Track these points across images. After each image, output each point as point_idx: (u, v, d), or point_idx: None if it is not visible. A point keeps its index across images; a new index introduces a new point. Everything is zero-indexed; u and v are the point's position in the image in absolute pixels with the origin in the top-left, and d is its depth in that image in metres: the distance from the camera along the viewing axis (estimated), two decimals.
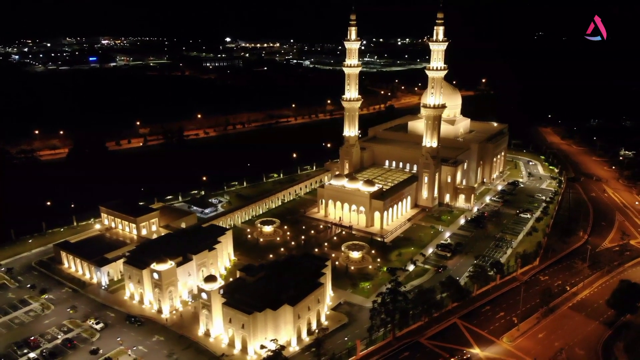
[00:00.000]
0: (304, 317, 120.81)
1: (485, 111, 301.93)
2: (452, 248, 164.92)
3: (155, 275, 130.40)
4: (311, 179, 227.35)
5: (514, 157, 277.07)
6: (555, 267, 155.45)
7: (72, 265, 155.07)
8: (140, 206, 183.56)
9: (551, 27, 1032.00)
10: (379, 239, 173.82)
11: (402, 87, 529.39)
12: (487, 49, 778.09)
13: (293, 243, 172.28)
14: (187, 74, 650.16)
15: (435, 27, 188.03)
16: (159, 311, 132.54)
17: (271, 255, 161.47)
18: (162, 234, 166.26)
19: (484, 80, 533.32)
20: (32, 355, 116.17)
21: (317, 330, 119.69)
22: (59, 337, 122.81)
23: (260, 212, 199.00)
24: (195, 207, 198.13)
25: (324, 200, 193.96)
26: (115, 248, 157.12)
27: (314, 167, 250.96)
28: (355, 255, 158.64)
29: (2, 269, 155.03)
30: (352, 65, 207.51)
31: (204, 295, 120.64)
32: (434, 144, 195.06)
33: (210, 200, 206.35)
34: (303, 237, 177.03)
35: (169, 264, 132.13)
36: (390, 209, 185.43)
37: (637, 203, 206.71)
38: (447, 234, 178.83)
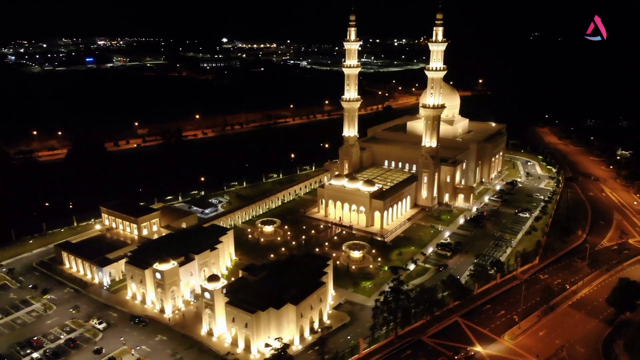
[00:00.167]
0: (307, 316, 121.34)
1: (483, 111, 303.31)
2: (452, 247, 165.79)
3: (158, 275, 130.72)
4: (311, 179, 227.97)
5: (512, 157, 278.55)
6: (554, 266, 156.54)
7: (74, 266, 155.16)
8: (141, 206, 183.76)
9: (547, 28, 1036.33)
10: (379, 239, 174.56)
11: (400, 88, 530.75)
12: (483, 50, 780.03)
13: (294, 243, 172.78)
14: (184, 75, 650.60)
15: (434, 28, 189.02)
16: (162, 311, 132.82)
17: (272, 255, 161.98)
18: (163, 234, 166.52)
19: (480, 81, 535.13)
20: (35, 355, 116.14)
21: (321, 329, 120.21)
22: (62, 337, 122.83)
23: (261, 212, 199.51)
24: (195, 208, 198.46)
25: (324, 200, 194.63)
26: (116, 248, 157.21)
27: (313, 168, 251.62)
28: (356, 254, 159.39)
29: (4, 269, 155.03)
30: (351, 66, 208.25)
31: (207, 295, 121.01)
32: (434, 144, 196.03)
33: (210, 200, 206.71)
34: (303, 236, 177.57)
35: (172, 264, 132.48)
36: (390, 209, 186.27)
37: (635, 203, 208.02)
38: (447, 234, 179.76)
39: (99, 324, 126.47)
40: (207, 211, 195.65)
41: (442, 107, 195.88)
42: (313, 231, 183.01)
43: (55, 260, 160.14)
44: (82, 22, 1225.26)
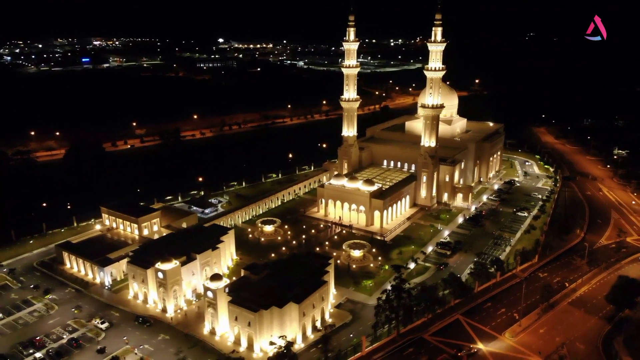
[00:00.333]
0: (309, 315, 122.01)
1: (480, 111, 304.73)
2: (452, 246, 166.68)
3: (160, 275, 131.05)
4: (310, 179, 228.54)
5: (509, 156, 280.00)
6: (553, 264, 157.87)
7: (75, 266, 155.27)
8: (141, 206, 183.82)
9: (542, 28, 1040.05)
10: (379, 238, 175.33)
11: (397, 88, 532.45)
12: (480, 50, 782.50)
13: (294, 242, 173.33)
14: (181, 75, 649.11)
15: (433, 28, 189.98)
16: (164, 310, 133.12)
17: (273, 255, 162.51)
18: (164, 234, 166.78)
19: (477, 81, 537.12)
20: (38, 355, 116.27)
21: (324, 327, 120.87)
22: (64, 336, 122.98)
23: (260, 212, 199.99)
24: (195, 207, 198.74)
25: (323, 200, 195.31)
26: (117, 248, 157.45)
27: (312, 167, 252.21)
28: (357, 253, 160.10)
29: (4, 269, 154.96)
30: (350, 66, 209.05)
31: (209, 294, 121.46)
32: (433, 143, 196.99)
33: (210, 200, 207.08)
34: (304, 236, 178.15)
35: (174, 263, 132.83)
36: (390, 208, 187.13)
37: (633, 202, 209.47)
38: (446, 233, 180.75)
39: (102, 323, 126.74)
40: (207, 211, 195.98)
41: (441, 106, 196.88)
42: (313, 231, 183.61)
43: (55, 261, 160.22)
44: (77, 22, 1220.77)
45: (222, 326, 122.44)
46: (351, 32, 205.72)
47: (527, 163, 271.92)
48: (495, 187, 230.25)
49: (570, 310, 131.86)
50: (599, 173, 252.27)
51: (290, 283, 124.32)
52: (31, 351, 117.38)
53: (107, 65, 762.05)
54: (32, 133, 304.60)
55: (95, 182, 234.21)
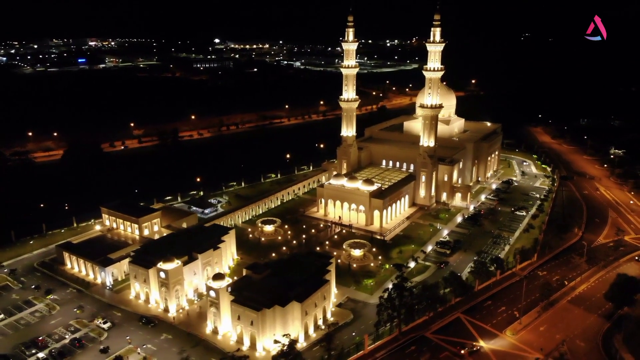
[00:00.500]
0: (311, 314, 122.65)
1: (477, 111, 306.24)
2: (451, 245, 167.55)
3: (162, 274, 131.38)
4: (309, 179, 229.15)
5: (507, 156, 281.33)
6: (552, 263, 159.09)
7: (75, 266, 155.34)
8: (141, 206, 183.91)
9: (537, 29, 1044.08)
10: (379, 237, 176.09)
11: (393, 88, 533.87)
12: (476, 50, 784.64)
13: (294, 242, 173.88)
14: (177, 76, 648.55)
15: (432, 29, 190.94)
16: (166, 310, 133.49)
17: (273, 254, 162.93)
18: (164, 234, 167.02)
19: (473, 81, 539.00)
20: (40, 355, 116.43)
21: (327, 325, 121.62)
22: (67, 337, 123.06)
23: (260, 212, 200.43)
24: (195, 208, 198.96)
25: (323, 200, 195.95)
26: (118, 248, 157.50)
27: (311, 167, 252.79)
28: (357, 253, 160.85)
29: (5, 270, 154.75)
30: (349, 66, 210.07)
31: (212, 293, 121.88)
32: (431, 143, 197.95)
33: (209, 200, 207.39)
34: (304, 236, 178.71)
35: (176, 263, 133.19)
36: (389, 208, 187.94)
37: (631, 202, 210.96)
38: (446, 232, 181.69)
39: (104, 323, 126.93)
40: (206, 211, 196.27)
41: (440, 106, 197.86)
42: (313, 230, 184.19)
43: (56, 261, 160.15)
44: (72, 23, 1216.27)
45: (225, 325, 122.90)
46: (350, 33, 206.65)
47: (524, 163, 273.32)
48: (493, 186, 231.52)
49: (569, 308, 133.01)
50: (595, 172, 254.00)
51: (292, 282, 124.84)
52: (34, 351, 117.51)
53: (104, 65, 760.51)
54: (30, 134, 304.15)
55: (94, 182, 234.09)
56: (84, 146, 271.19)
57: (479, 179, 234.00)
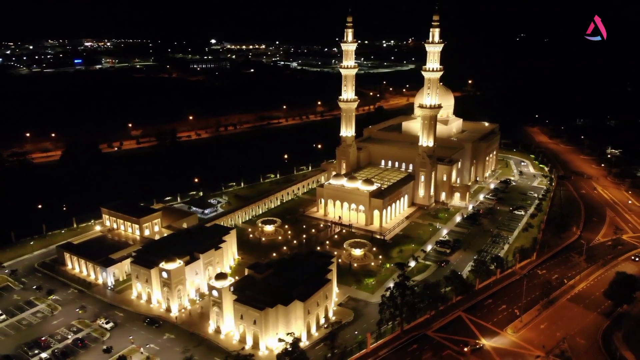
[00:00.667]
0: (313, 313, 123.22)
1: (474, 111, 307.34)
2: (451, 244, 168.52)
3: (165, 274, 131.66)
4: (308, 179, 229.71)
5: (505, 156, 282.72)
6: (551, 262, 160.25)
7: (76, 267, 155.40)
8: (142, 207, 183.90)
9: (533, 29, 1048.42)
10: (378, 237, 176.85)
11: (390, 89, 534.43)
12: (472, 51, 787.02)
13: (295, 242, 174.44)
14: (174, 76, 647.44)
15: (431, 29, 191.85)
16: (168, 310, 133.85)
17: (274, 254, 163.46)
18: (165, 234, 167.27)
19: (470, 82, 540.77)
20: (43, 355, 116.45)
21: (331, 324, 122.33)
22: (69, 337, 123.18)
23: (260, 212, 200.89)
24: (194, 208, 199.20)
25: (323, 200, 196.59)
26: (118, 249, 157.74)
27: (310, 168, 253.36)
28: (358, 252, 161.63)
29: (6, 270, 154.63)
30: (349, 67, 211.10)
31: (214, 293, 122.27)
32: (430, 143, 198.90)
33: (209, 200, 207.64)
34: (304, 235, 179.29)
35: (178, 263, 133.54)
36: (389, 208, 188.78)
37: (629, 202, 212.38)
38: (445, 231, 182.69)
39: (106, 323, 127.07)
40: (206, 211, 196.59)
41: (439, 107, 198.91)
42: (313, 230, 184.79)
43: (57, 262, 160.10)
44: (67, 23, 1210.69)
45: (227, 325, 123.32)
46: (349, 33, 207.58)
47: (522, 163, 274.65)
48: (492, 186, 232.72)
49: (569, 306, 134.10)
50: (593, 172, 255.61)
51: (294, 281, 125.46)
52: (36, 351, 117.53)
53: (100, 66, 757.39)
54: (28, 135, 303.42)
55: (93, 183, 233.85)
56: (82, 147, 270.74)
57: (477, 178, 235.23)
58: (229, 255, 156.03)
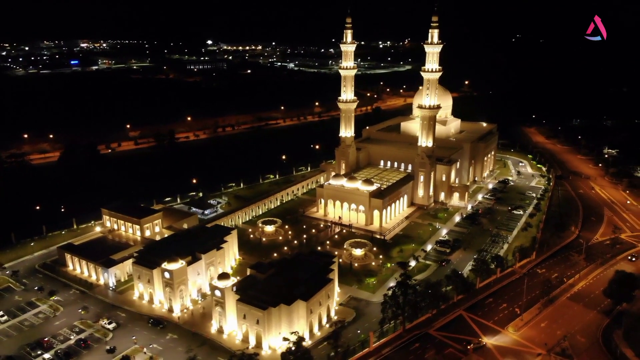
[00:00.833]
0: (316, 312, 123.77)
1: (471, 112, 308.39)
2: (451, 244, 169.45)
3: (167, 275, 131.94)
4: (307, 180, 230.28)
5: (502, 156, 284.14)
6: (551, 260, 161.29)
7: (77, 267, 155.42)
8: (142, 208, 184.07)
9: (529, 30, 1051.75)
10: (379, 237, 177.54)
11: (387, 90, 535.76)
12: (469, 51, 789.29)
13: (295, 242, 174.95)
14: (171, 77, 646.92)
15: (429, 30, 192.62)
16: (170, 310, 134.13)
17: (275, 254, 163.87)
18: (166, 235, 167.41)
19: (467, 82, 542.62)
20: (46, 356, 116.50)
21: (334, 323, 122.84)
22: (72, 337, 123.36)
23: (260, 213, 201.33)
24: (194, 209, 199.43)
25: (323, 200, 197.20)
26: (119, 249, 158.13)
27: (309, 168, 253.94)
28: (358, 252, 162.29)
29: (7, 272, 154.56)
30: (348, 67, 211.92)
31: (217, 293, 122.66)
32: (430, 143, 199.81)
33: (209, 201, 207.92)
34: (305, 236, 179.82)
35: (180, 263, 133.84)
36: (389, 208, 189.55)
37: (627, 202, 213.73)
38: (445, 231, 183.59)
39: (109, 323, 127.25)
40: (206, 212, 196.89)
41: (438, 107, 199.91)
42: (313, 230, 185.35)
43: (57, 262, 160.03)
44: (63, 24, 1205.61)
45: (230, 324, 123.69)
46: (348, 34, 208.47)
47: (520, 163, 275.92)
48: (490, 186, 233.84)
49: (569, 305, 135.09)
50: (590, 172, 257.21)
51: (297, 281, 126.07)
52: (39, 352, 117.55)
53: (96, 67, 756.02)
54: (25, 136, 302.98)
55: (91, 184, 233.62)
56: (81, 148, 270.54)
57: (476, 178, 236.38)
58: (230, 255, 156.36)
